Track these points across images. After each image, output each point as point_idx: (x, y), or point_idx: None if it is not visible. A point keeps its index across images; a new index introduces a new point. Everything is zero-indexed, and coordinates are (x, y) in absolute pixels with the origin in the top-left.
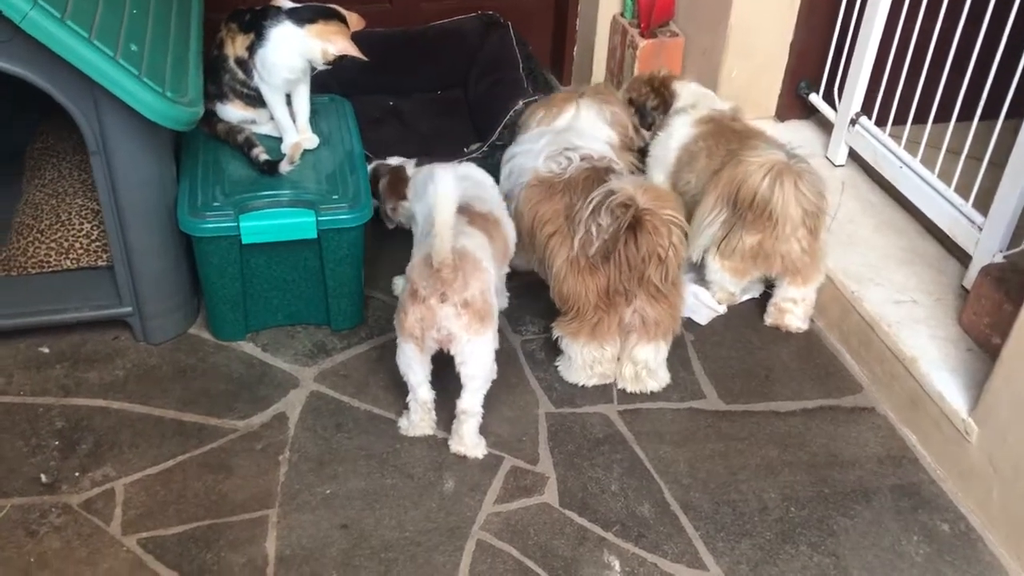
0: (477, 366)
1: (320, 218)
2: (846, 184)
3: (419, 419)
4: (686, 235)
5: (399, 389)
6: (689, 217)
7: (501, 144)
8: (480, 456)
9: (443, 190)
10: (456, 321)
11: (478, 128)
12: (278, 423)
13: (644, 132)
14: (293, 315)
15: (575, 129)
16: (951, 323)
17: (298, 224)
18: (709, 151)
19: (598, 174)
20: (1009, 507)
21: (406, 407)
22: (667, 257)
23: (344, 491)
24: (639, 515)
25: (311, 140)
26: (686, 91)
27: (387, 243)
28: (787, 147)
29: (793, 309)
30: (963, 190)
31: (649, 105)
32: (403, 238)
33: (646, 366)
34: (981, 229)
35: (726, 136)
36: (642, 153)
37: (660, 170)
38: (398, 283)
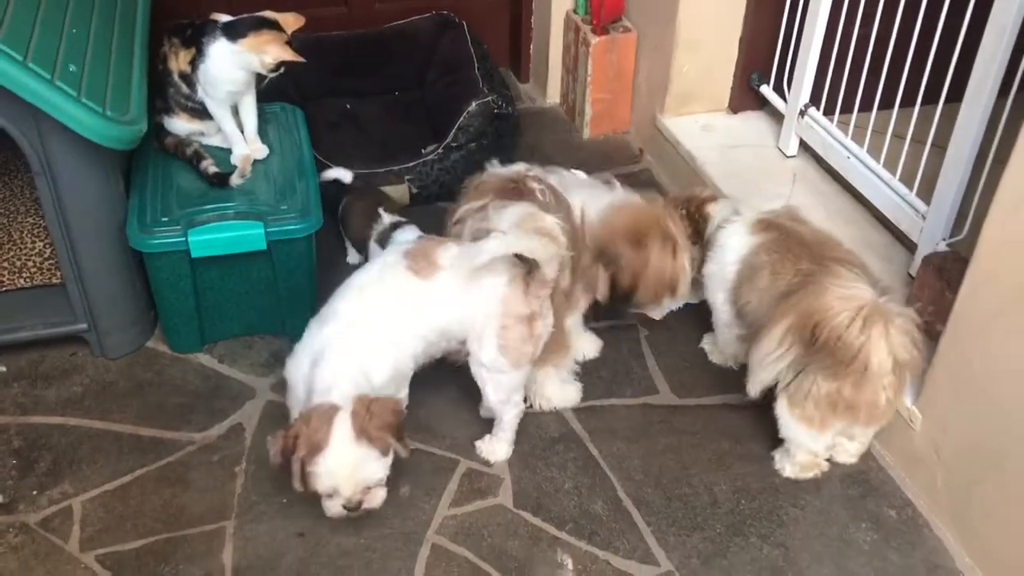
0: None
1: (269, 229)
2: (797, 175)
3: None
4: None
5: None
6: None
7: (456, 145)
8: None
9: None
10: None
11: (435, 129)
12: (235, 434)
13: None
14: (249, 326)
15: None
16: None
17: (247, 236)
18: (774, 267)
19: None
20: (952, 492)
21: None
22: None
23: (300, 500)
24: (592, 513)
25: (260, 150)
26: (720, 205)
27: (342, 251)
28: (870, 274)
29: (848, 446)
30: (908, 178)
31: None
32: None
33: None
34: (925, 217)
35: (793, 249)
36: None
37: (719, 289)
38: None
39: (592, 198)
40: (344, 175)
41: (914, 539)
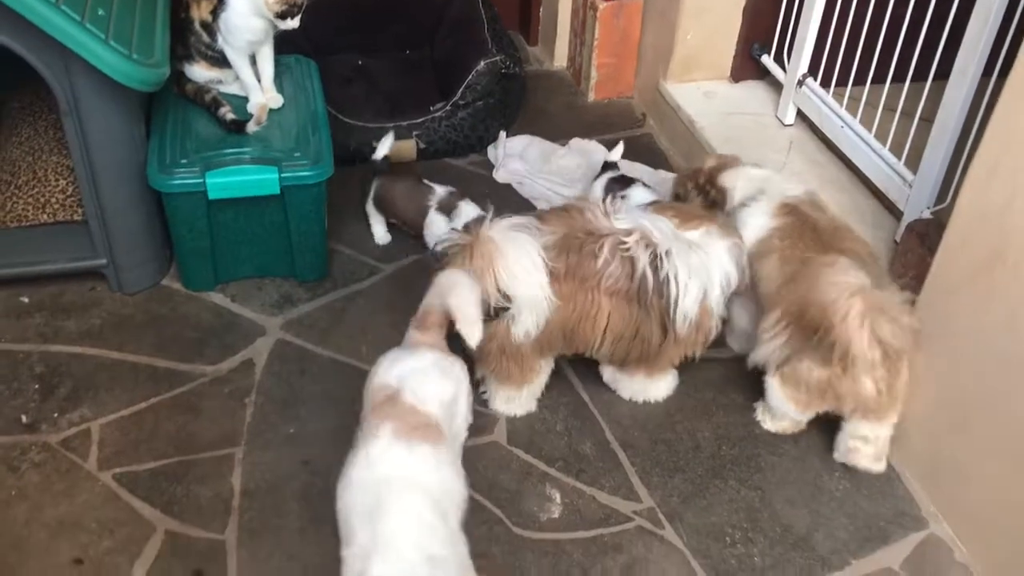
0: None
1: (283, 175)
2: (794, 143)
3: None
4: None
5: (363, 338)
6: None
7: (463, 103)
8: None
9: None
10: None
11: (443, 88)
12: (245, 368)
13: None
14: (260, 267)
15: None
16: (883, 275)
17: (262, 180)
18: (783, 253)
19: None
20: (922, 447)
21: None
22: None
23: (306, 431)
24: (581, 452)
25: (276, 100)
26: (742, 180)
27: (351, 200)
28: (878, 267)
29: (863, 448)
30: (897, 149)
31: (696, 204)
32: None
33: None
34: (911, 186)
35: (804, 237)
36: None
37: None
38: None
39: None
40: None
41: (884, 489)
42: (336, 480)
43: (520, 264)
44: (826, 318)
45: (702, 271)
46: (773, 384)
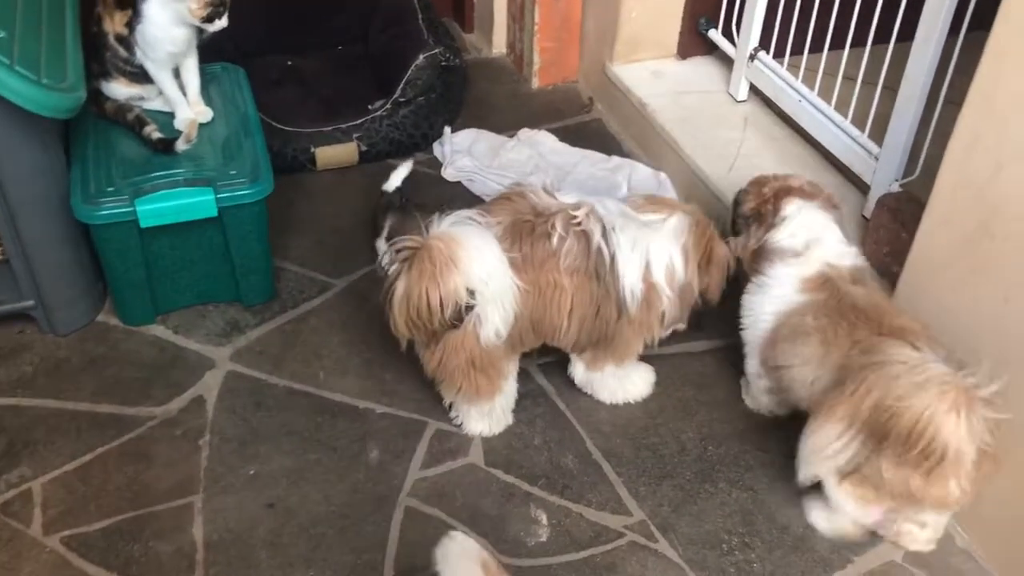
0: None
1: (220, 195)
2: (749, 120)
3: None
4: None
5: (318, 363)
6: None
7: (404, 100)
8: None
9: None
10: None
11: (381, 84)
12: (196, 407)
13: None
14: (202, 294)
15: None
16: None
17: (197, 203)
18: (824, 336)
19: None
20: None
21: None
22: None
23: (268, 470)
24: (563, 467)
25: (205, 113)
26: (799, 219)
27: (294, 213)
28: (929, 334)
29: (917, 533)
30: (860, 120)
31: (743, 209)
32: (308, 205)
33: None
34: (877, 159)
35: (847, 316)
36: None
37: (754, 330)
38: None
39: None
40: (404, 171)
41: None
42: (305, 520)
43: (483, 256)
44: (915, 421)
45: (642, 244)
46: (834, 488)
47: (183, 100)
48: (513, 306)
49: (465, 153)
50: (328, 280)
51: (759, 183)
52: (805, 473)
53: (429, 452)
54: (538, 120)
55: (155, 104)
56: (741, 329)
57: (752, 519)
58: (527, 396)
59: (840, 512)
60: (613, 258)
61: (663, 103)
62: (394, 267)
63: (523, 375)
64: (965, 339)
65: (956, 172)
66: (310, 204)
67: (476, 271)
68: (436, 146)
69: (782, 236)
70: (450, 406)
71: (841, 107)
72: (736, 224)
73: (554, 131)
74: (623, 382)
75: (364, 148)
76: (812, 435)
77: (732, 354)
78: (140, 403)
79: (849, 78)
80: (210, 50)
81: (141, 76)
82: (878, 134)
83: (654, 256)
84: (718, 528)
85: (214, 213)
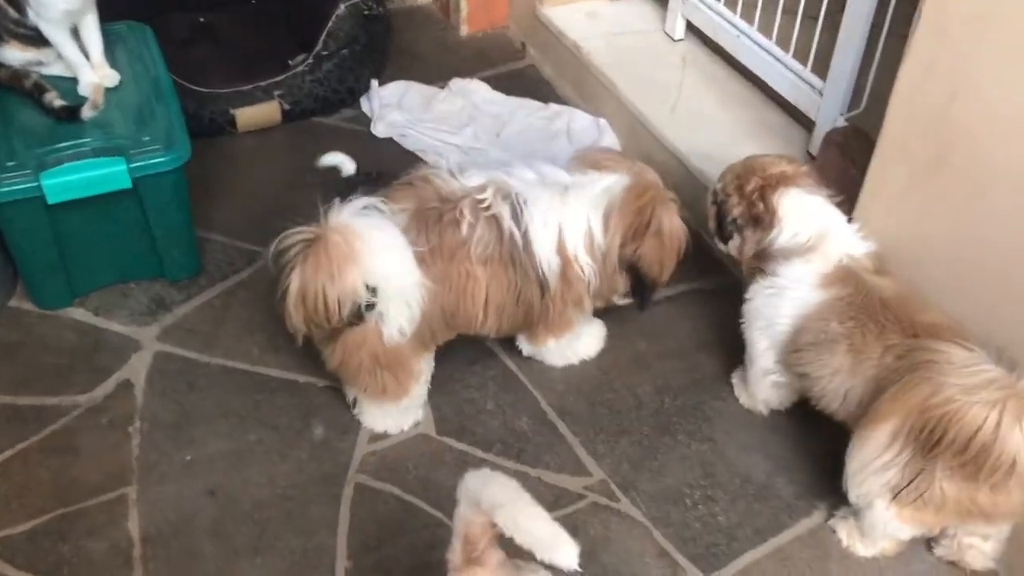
0: None
1: (132, 165)
2: (687, 59)
3: None
4: None
5: (251, 338)
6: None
7: (327, 54)
8: None
9: None
10: None
11: (301, 38)
12: (123, 392)
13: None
14: (123, 271)
15: None
16: None
17: (109, 175)
18: (853, 342)
19: None
20: None
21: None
22: None
23: (206, 455)
24: (518, 430)
25: (111, 77)
26: (798, 215)
27: (216, 180)
28: (962, 329)
29: (981, 546)
30: (802, 55)
31: (730, 214)
32: (231, 170)
33: None
34: (821, 94)
35: (876, 317)
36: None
37: (765, 337)
38: None
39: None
40: (345, 163)
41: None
42: (248, 506)
43: (385, 249)
44: (973, 429)
45: (555, 215)
46: (883, 510)
47: (85, 63)
48: (419, 303)
49: (395, 107)
50: (257, 249)
51: (737, 180)
52: (855, 493)
53: None
54: (469, 69)
55: (55, 69)
56: (743, 329)
57: (713, 470)
58: (477, 360)
59: (889, 536)
60: (526, 235)
61: (598, 45)
62: (288, 260)
63: (472, 340)
64: (920, 272)
65: (908, 102)
66: (233, 169)
67: (377, 267)
68: (363, 101)
69: (785, 236)
70: (354, 401)
71: (782, 42)
72: (723, 227)
73: (486, 80)
74: (572, 344)
75: (287, 107)
76: (857, 449)
77: (685, 302)
78: (62, 392)
79: (789, 12)
80: (112, 8)
81: (36, 39)
82: (821, 69)
83: (568, 225)
84: (679, 482)
85: (128, 184)
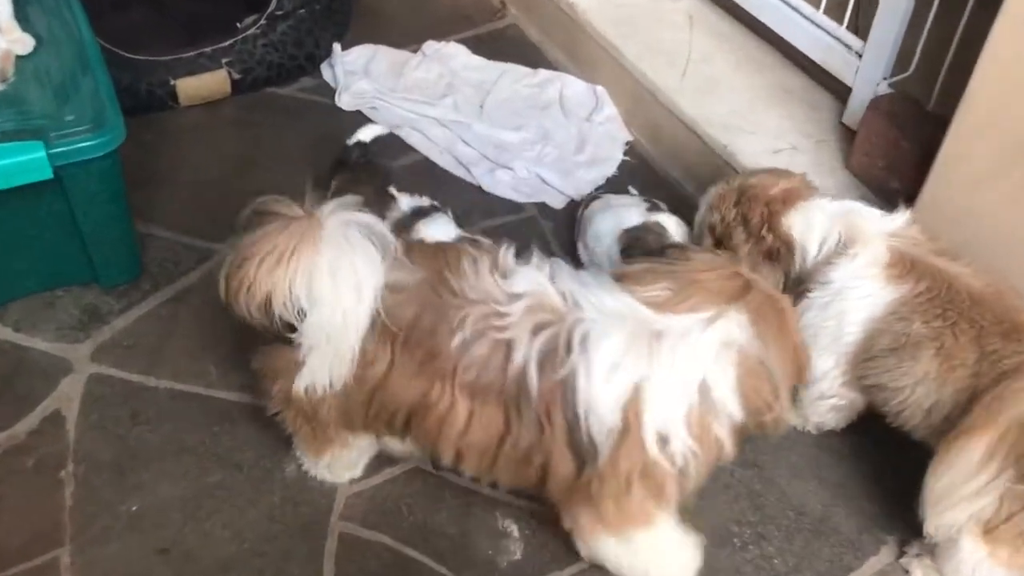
0: None
1: (54, 150)
2: (694, 18)
3: None
4: None
5: (206, 353)
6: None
7: (282, 14)
8: None
9: None
10: None
11: None
12: (52, 427)
13: None
14: (48, 278)
15: None
16: (839, 168)
17: (24, 164)
18: (943, 345)
19: None
20: None
21: None
22: None
23: (156, 504)
24: None
25: (23, 42)
26: (812, 227)
27: (157, 163)
28: None
29: None
30: (834, 11)
31: (739, 251)
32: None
33: None
34: (860, 55)
35: (966, 314)
36: None
37: (830, 354)
38: None
39: None
40: (378, 130)
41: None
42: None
43: (337, 269)
44: None
45: (628, 370)
46: (982, 553)
47: None
48: (348, 367)
49: (361, 75)
50: (208, 245)
51: (737, 209)
52: (936, 524)
53: None
54: (444, 30)
55: None
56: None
57: (762, 502)
58: None
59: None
60: (571, 380)
61: (592, 3)
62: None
63: None
64: (1007, 272)
65: (1001, 69)
66: (177, 150)
67: (318, 283)
68: (325, 68)
69: (811, 255)
70: None
71: None
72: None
73: (465, 42)
74: (646, 553)
75: (237, 76)
76: (942, 471)
77: None
78: None
79: None
80: None
81: None
82: (859, 26)
83: (656, 388)
84: (726, 519)
85: (49, 174)
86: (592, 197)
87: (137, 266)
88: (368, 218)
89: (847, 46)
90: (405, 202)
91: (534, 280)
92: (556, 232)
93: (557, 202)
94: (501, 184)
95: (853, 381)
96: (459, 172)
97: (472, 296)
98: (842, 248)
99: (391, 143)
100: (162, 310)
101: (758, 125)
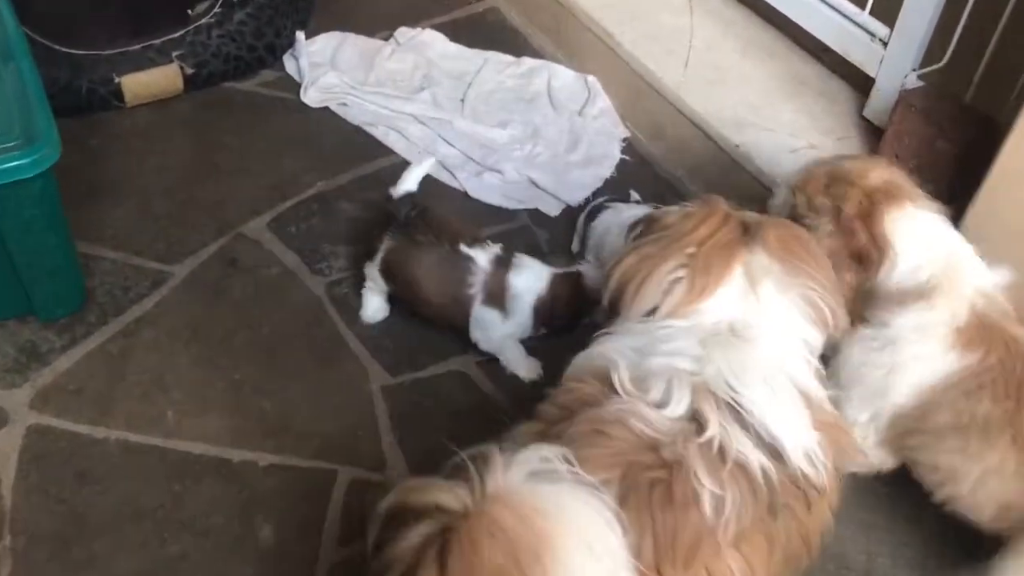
0: None
1: None
2: (694, 2)
3: None
4: None
5: (163, 395)
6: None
7: (238, 1)
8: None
9: None
10: None
11: None
12: None
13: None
14: None
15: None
16: None
17: None
18: (1018, 430)
19: None
20: None
21: None
22: None
23: None
24: None
25: None
26: (917, 241)
27: (100, 172)
28: None
29: None
30: None
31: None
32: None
33: None
34: (886, 44)
35: None
36: None
37: (866, 406)
38: None
39: None
40: (425, 169)
41: None
42: None
43: (596, 557)
44: None
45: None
46: None
47: None
48: None
49: (328, 67)
50: (162, 268)
51: (827, 195)
52: None
53: (346, 516)
54: (417, 15)
55: None
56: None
57: None
58: (469, 412)
59: None
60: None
61: None
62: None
63: (460, 380)
64: None
65: None
66: (124, 157)
67: None
68: (288, 60)
69: (899, 274)
70: None
71: None
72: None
73: (440, 28)
74: None
75: (190, 71)
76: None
77: None
78: None
79: None
80: None
81: None
82: (884, 11)
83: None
84: None
85: None
86: (598, 206)
87: (81, 295)
88: (531, 452)
89: (871, 33)
90: (482, 257)
91: (682, 387)
92: (552, 243)
93: (552, 208)
94: (489, 189)
95: (892, 444)
96: (442, 176)
97: (672, 446)
98: (926, 292)
99: (366, 143)
100: (111, 346)
101: (772, 120)
